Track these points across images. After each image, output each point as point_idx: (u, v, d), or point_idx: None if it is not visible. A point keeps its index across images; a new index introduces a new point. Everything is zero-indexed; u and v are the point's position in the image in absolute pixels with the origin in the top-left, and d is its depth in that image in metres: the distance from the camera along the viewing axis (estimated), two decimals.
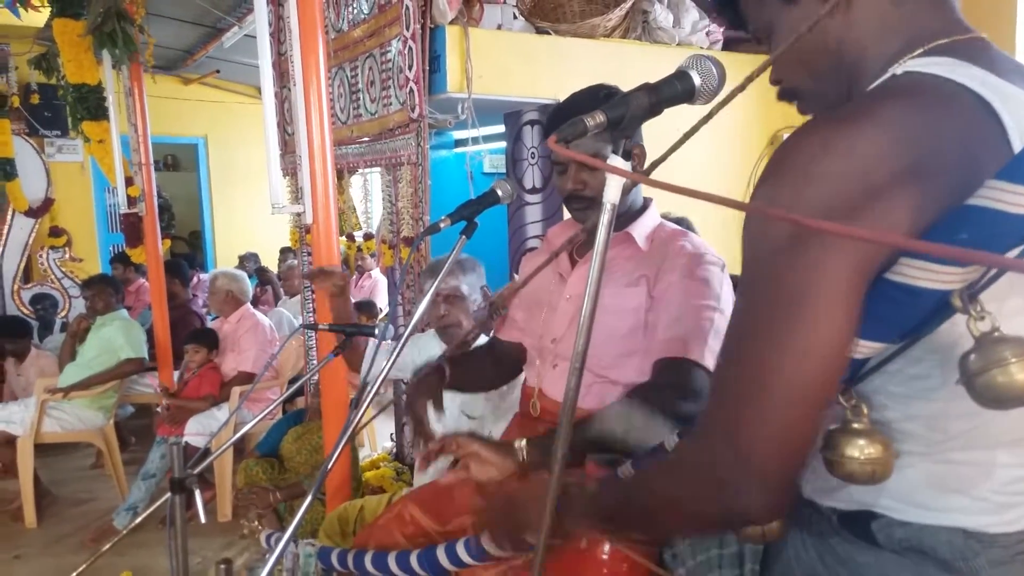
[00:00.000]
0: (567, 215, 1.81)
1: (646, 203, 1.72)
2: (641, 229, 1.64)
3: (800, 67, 0.91)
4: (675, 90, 0.92)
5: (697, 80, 0.92)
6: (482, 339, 2.36)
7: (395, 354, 1.50)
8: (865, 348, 0.75)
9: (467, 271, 2.37)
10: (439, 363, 1.78)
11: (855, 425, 0.78)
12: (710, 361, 1.45)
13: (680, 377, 1.45)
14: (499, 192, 1.52)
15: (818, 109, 0.94)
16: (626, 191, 1.63)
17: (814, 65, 0.90)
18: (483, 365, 1.95)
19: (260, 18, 2.65)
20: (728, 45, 3.55)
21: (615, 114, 0.88)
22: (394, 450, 3.72)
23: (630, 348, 1.57)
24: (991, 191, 0.69)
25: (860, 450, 0.77)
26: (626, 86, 0.94)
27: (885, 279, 0.73)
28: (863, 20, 0.85)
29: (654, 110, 0.90)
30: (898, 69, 0.80)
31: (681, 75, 0.92)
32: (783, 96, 0.98)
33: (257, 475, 3.10)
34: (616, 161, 0.89)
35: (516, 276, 1.94)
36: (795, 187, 0.73)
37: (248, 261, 7.20)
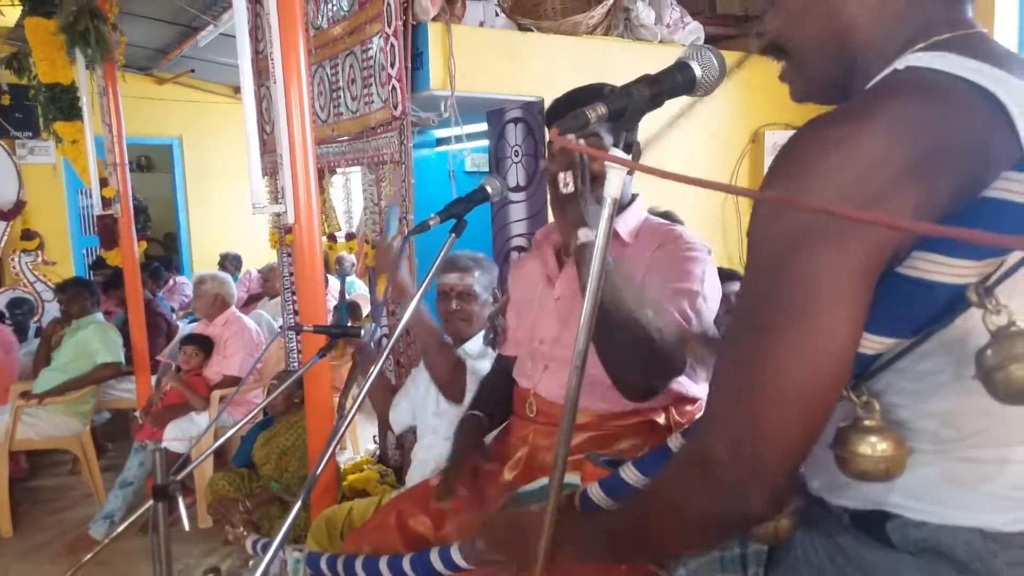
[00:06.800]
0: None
1: (633, 197, 1.71)
2: (625, 224, 1.64)
3: (801, 31, 0.88)
4: (676, 81, 0.90)
5: (698, 71, 0.90)
6: (475, 344, 2.30)
7: (382, 358, 1.47)
8: (877, 343, 0.74)
9: (484, 270, 2.28)
10: (475, 417, 1.80)
11: (867, 422, 0.77)
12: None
13: None
14: (488, 189, 1.50)
15: (804, 82, 0.92)
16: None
17: (817, 36, 0.87)
18: (503, 393, 1.86)
19: (239, 15, 2.59)
20: (710, 42, 3.54)
21: (617, 106, 0.86)
22: (377, 452, 3.68)
23: None
24: (1009, 183, 0.68)
25: (872, 447, 0.75)
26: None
27: (898, 274, 0.72)
28: (879, 5, 0.83)
29: (655, 101, 0.88)
30: (900, 64, 0.79)
31: (682, 66, 0.90)
32: (767, 49, 0.93)
33: (223, 488, 3.05)
34: (617, 154, 0.87)
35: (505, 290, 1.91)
36: (804, 184, 0.72)
37: (229, 261, 7.09)
